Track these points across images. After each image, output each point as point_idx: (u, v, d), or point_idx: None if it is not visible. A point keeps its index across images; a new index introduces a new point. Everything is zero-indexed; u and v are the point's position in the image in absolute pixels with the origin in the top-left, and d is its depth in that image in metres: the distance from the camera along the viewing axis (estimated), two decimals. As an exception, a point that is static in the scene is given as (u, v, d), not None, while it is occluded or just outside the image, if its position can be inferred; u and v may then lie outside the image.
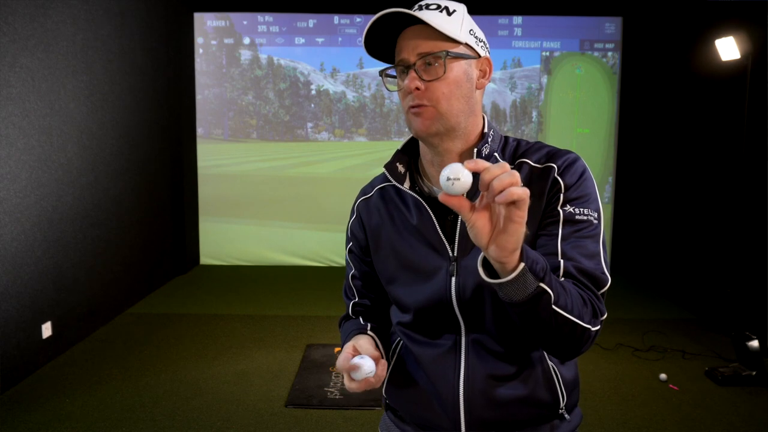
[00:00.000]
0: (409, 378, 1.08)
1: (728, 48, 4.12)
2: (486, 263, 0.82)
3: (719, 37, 4.19)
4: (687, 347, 3.79)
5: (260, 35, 6.03)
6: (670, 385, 3.24)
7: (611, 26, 6.00)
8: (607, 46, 6.02)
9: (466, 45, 0.97)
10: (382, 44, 1.00)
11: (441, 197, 0.74)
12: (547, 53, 6.05)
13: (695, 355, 3.67)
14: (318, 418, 2.85)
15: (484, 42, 1.02)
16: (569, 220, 0.94)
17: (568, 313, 0.84)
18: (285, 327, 4.18)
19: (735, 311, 4.07)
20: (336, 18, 5.96)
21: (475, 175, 0.75)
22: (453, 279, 1.00)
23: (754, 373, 3.21)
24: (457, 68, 0.96)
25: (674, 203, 5.16)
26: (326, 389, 3.13)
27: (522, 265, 0.78)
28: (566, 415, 1.05)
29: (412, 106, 0.97)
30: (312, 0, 5.90)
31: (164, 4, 5.23)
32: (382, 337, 1.13)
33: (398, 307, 1.11)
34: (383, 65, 1.02)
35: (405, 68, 0.97)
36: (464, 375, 1.01)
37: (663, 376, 3.32)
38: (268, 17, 5.99)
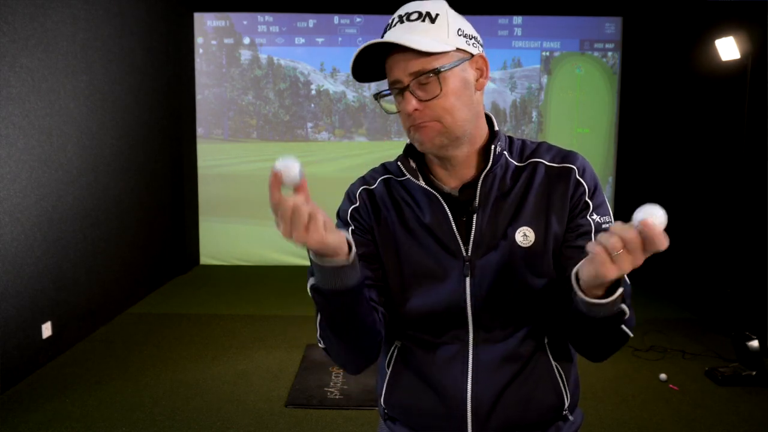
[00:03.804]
0: (411, 385, 1.04)
1: (728, 48, 4.12)
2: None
3: (719, 37, 4.19)
4: (687, 347, 3.79)
5: (260, 35, 6.03)
6: (670, 385, 3.24)
7: (611, 26, 6.00)
8: (607, 46, 6.02)
9: (458, 50, 0.93)
10: (370, 65, 0.96)
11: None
12: (547, 53, 6.04)
13: (695, 355, 3.67)
14: (318, 418, 2.85)
15: (475, 38, 0.97)
16: (599, 231, 0.98)
17: (628, 328, 0.93)
18: (285, 327, 4.18)
19: (735, 311, 4.06)
20: (336, 18, 5.96)
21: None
22: (468, 280, 0.98)
23: (754, 373, 3.21)
24: (453, 78, 0.93)
25: (674, 203, 5.16)
26: (326, 389, 3.13)
27: (620, 290, 0.84)
28: (569, 416, 1.05)
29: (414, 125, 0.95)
30: (312, 0, 5.90)
31: (164, 4, 5.23)
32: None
33: (395, 306, 1.04)
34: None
35: (400, 90, 0.94)
36: (472, 378, 0.99)
37: (663, 376, 3.32)
38: (268, 17, 5.99)
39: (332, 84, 6.09)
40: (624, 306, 0.87)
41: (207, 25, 5.99)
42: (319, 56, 6.05)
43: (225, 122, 6.15)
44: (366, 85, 6.05)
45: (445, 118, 0.93)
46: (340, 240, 0.84)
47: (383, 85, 0.99)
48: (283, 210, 0.78)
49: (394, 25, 0.94)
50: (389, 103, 0.99)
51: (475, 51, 0.96)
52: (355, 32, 5.96)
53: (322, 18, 5.97)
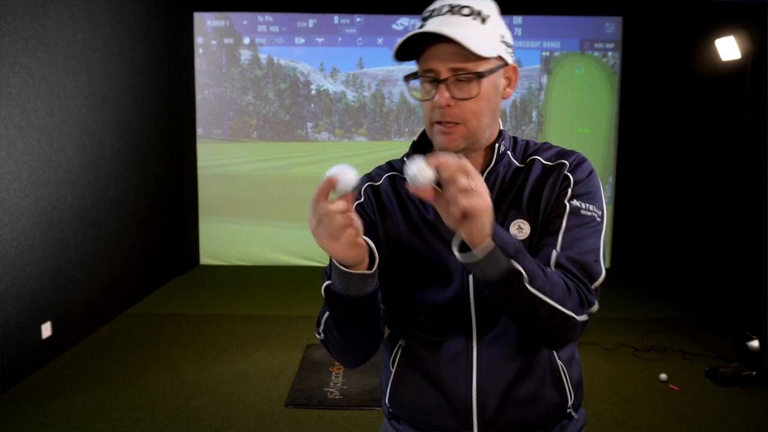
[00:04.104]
0: (416, 383, 1.04)
1: (728, 48, 4.12)
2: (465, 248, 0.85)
3: (719, 37, 4.19)
4: (687, 347, 3.79)
5: (260, 35, 6.03)
6: (671, 385, 3.24)
7: (611, 26, 6.00)
8: (607, 46, 6.02)
9: (498, 57, 0.94)
10: (406, 46, 0.94)
11: (410, 189, 0.80)
12: (547, 53, 6.05)
13: (695, 355, 3.67)
14: (318, 418, 2.85)
15: (512, 47, 0.98)
16: (574, 213, 0.96)
17: (545, 295, 0.86)
18: (285, 327, 4.18)
19: (735, 311, 4.07)
20: (336, 18, 5.96)
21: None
22: (471, 277, 0.99)
23: (754, 373, 3.21)
24: (488, 84, 0.94)
25: (674, 203, 5.16)
26: (326, 389, 3.13)
27: (491, 243, 0.81)
28: (574, 414, 1.05)
29: (440, 123, 0.94)
30: (312, 0, 5.90)
31: (164, 4, 5.23)
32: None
33: (399, 303, 1.05)
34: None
35: (434, 80, 0.93)
36: (477, 376, 0.99)
37: (663, 376, 3.32)
38: (268, 17, 5.99)
39: (332, 84, 6.09)
40: (515, 263, 0.82)
41: (207, 25, 5.99)
42: (319, 56, 6.05)
43: (225, 122, 6.15)
44: (366, 84, 6.05)
45: (471, 122, 0.94)
46: (363, 253, 0.86)
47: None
48: (321, 210, 0.80)
49: (443, 14, 0.93)
50: (416, 91, 0.99)
51: (510, 60, 0.97)
52: (355, 32, 5.96)
53: (322, 18, 5.97)
